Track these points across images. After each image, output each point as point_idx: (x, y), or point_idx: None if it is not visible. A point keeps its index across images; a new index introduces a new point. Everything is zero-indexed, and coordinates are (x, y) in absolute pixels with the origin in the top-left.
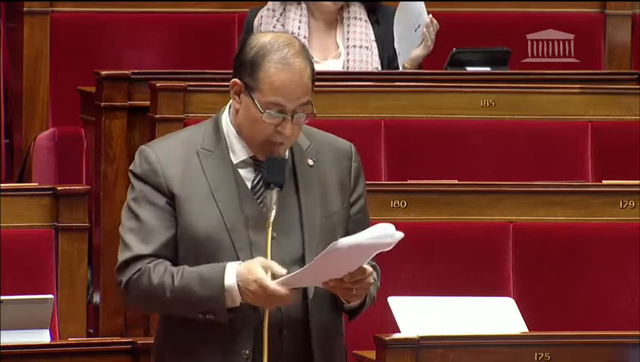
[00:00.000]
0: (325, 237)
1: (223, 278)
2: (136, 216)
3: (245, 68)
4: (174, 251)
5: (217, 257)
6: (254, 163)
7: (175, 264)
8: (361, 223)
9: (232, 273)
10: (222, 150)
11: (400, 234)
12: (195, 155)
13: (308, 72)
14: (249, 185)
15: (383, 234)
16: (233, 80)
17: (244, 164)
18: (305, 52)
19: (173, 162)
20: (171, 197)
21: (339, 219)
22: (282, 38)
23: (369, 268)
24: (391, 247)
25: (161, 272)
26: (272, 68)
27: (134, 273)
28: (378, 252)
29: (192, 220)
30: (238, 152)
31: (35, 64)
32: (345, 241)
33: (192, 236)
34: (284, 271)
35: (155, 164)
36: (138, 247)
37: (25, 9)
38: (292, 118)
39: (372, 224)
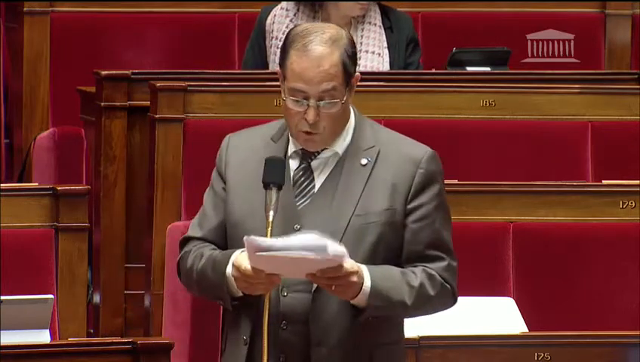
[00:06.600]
0: (352, 236)
1: (227, 266)
2: (205, 199)
3: (281, 56)
4: (223, 236)
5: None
6: (302, 154)
7: (224, 249)
8: (418, 234)
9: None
10: (283, 141)
11: (339, 251)
12: (264, 146)
13: (332, 58)
14: (292, 175)
15: (314, 245)
16: (278, 69)
17: (295, 154)
18: (337, 40)
19: (240, 150)
20: (226, 183)
21: (377, 220)
22: (316, 27)
23: (350, 268)
24: (330, 263)
25: (194, 255)
26: (293, 55)
27: (182, 254)
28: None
29: (232, 206)
30: (293, 144)
31: (35, 64)
32: (261, 241)
33: (230, 221)
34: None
35: (223, 150)
36: (193, 229)
37: (25, 9)
38: (317, 105)
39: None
